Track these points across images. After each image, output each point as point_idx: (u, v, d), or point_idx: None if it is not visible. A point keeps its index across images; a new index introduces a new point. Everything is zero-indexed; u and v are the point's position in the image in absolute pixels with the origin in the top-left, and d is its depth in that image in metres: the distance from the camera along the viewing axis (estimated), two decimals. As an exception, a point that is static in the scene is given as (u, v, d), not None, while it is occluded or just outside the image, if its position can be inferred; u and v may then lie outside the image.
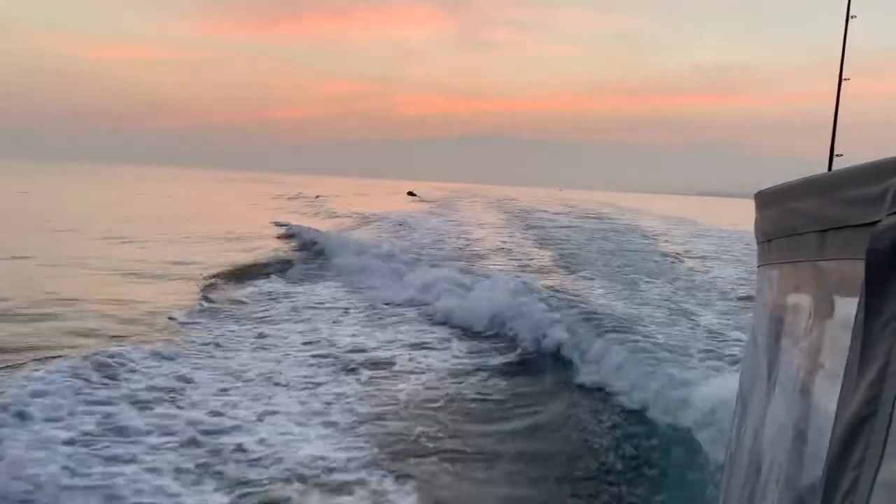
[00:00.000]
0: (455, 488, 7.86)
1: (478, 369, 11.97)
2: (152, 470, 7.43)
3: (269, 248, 27.01)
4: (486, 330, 14.18)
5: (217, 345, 12.69)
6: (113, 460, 7.60)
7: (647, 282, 20.61)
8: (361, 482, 7.60)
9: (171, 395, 9.78)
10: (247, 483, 7.39)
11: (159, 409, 9.20)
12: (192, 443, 8.25)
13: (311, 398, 10.12)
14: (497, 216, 48.62)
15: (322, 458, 8.00)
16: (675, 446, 8.14)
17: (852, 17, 2.89)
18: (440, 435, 9.13)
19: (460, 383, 11.21)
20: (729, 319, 14.87)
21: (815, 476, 1.88)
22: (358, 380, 11.13)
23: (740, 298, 17.77)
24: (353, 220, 42.31)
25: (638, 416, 9.18)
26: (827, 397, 1.85)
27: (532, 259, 24.88)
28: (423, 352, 12.91)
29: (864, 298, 1.35)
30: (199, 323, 14.31)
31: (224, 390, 10.17)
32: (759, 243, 2.29)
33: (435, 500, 7.53)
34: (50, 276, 18.54)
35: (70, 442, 7.84)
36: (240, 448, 8.19)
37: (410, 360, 12.30)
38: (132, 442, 8.11)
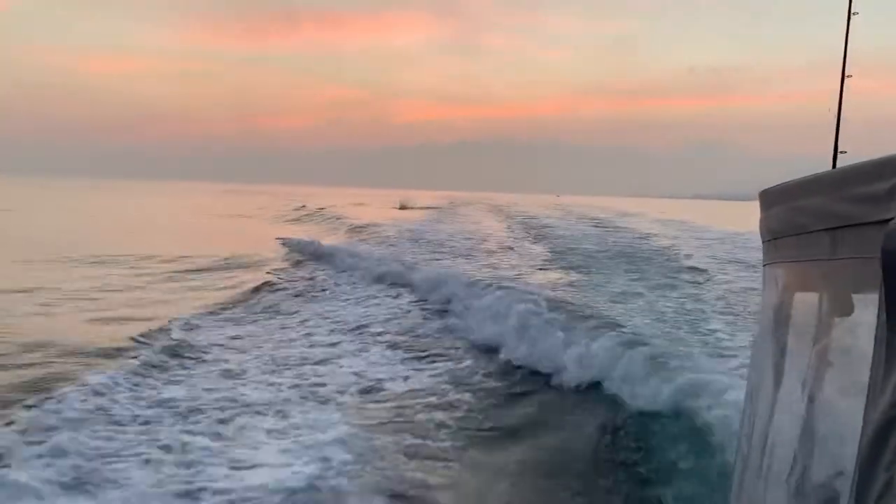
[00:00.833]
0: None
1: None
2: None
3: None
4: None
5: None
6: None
7: (653, 283, 20.63)
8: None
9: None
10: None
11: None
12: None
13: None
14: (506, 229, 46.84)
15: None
16: (686, 446, 8.13)
17: (854, 14, 2.88)
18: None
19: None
20: (736, 319, 14.87)
21: (826, 473, 1.88)
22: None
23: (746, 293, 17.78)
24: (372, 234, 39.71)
25: (646, 417, 9.18)
26: (839, 395, 1.85)
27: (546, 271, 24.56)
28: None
29: (883, 298, 1.34)
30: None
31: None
32: (764, 242, 2.28)
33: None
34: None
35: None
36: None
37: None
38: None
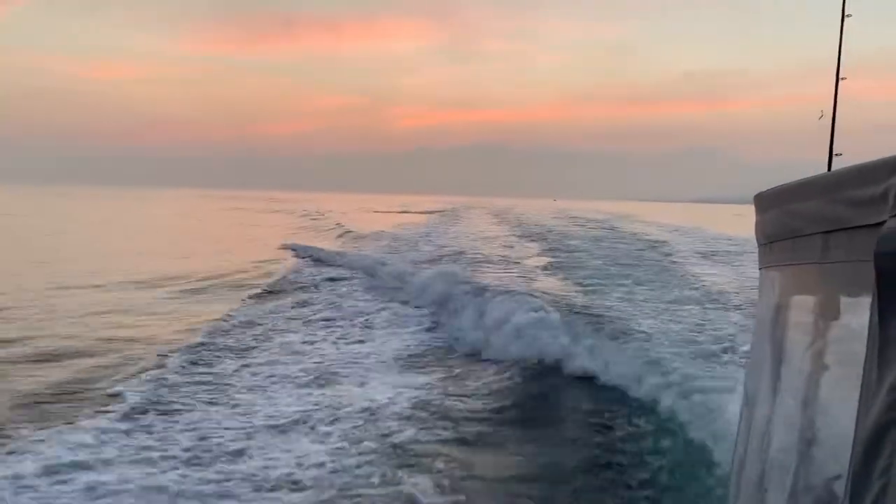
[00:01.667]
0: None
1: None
2: None
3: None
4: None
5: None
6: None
7: (649, 287, 20.64)
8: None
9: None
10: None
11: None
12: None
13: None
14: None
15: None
16: (685, 451, 8.14)
17: (848, 16, 2.88)
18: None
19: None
20: (735, 321, 14.90)
21: (824, 476, 1.87)
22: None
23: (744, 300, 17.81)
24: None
25: (645, 417, 9.19)
26: (835, 398, 1.84)
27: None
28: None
29: (876, 301, 1.32)
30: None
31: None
32: (760, 245, 2.27)
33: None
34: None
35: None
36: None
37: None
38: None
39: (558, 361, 11.74)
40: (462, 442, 9.19)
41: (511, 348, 12.79)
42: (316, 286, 22.34)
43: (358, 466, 8.27)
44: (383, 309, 18.29)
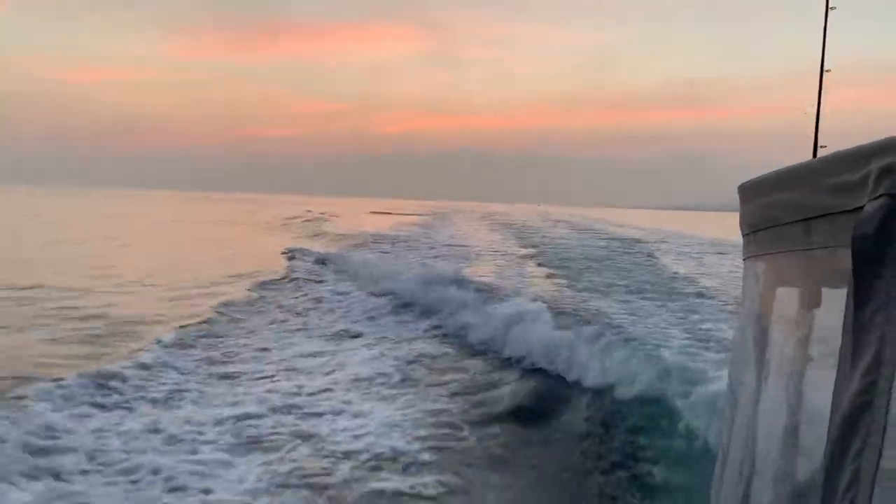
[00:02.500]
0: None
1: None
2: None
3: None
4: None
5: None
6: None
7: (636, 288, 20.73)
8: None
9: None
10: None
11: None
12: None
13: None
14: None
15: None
16: (675, 440, 8.19)
17: (832, 9, 2.91)
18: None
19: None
20: (719, 315, 14.96)
21: (810, 468, 1.89)
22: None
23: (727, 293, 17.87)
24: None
25: (636, 410, 9.26)
26: (819, 388, 1.86)
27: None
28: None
29: (852, 286, 1.34)
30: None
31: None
32: (744, 236, 2.28)
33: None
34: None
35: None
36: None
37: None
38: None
39: (555, 361, 11.79)
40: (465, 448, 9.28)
41: (514, 348, 12.87)
42: (312, 290, 21.78)
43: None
44: (382, 313, 18.03)
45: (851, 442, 1.28)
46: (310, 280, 23.36)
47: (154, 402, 10.53)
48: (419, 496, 7.79)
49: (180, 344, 13.90)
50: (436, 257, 30.06)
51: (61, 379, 10.55)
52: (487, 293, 17.36)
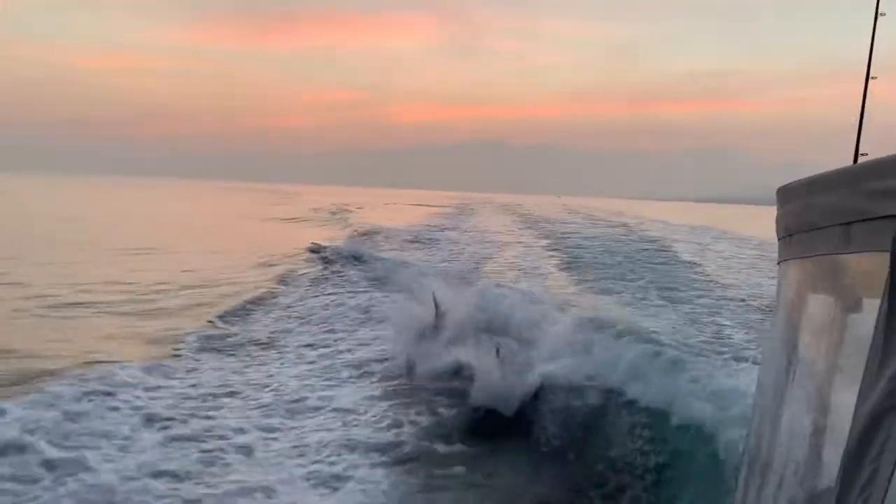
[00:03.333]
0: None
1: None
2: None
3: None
4: None
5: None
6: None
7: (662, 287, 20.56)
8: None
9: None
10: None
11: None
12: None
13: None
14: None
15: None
16: (697, 445, 8.14)
17: (882, 15, 2.86)
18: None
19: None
20: (750, 318, 14.81)
21: (832, 472, 1.87)
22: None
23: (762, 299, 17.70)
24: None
25: (659, 417, 9.20)
26: (848, 390, 1.84)
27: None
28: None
29: (888, 289, 1.33)
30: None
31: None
32: (779, 239, 2.26)
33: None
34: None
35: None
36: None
37: None
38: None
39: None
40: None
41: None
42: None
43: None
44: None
45: (872, 443, 1.27)
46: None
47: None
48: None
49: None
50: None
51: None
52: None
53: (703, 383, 8.95)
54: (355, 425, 9.98)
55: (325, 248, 29.99)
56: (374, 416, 10.34)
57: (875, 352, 1.33)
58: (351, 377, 12.53)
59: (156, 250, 29.49)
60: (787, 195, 2.15)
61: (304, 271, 24.72)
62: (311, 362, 13.45)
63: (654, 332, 12.35)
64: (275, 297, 19.89)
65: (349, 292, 20.53)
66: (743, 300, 17.86)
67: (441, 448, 9.36)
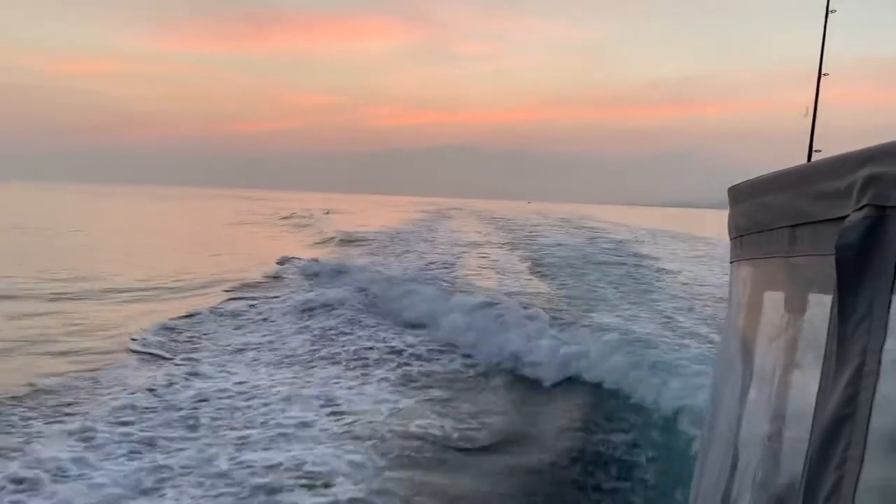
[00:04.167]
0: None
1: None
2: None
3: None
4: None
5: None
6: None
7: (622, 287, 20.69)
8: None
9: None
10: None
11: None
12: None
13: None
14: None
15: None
16: (659, 437, 8.22)
17: (832, 12, 2.86)
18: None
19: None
20: (707, 317, 14.93)
21: (791, 472, 1.87)
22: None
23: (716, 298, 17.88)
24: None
25: (626, 408, 9.27)
26: (802, 394, 1.85)
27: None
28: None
29: (836, 296, 1.32)
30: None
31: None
32: (731, 239, 2.25)
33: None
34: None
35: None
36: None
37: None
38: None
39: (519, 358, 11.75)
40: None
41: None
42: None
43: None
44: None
45: (833, 452, 1.27)
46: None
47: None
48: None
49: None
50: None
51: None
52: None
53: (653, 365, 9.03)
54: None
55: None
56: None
57: (829, 359, 1.33)
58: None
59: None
60: (738, 195, 2.14)
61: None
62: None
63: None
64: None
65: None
66: (695, 298, 18.08)
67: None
